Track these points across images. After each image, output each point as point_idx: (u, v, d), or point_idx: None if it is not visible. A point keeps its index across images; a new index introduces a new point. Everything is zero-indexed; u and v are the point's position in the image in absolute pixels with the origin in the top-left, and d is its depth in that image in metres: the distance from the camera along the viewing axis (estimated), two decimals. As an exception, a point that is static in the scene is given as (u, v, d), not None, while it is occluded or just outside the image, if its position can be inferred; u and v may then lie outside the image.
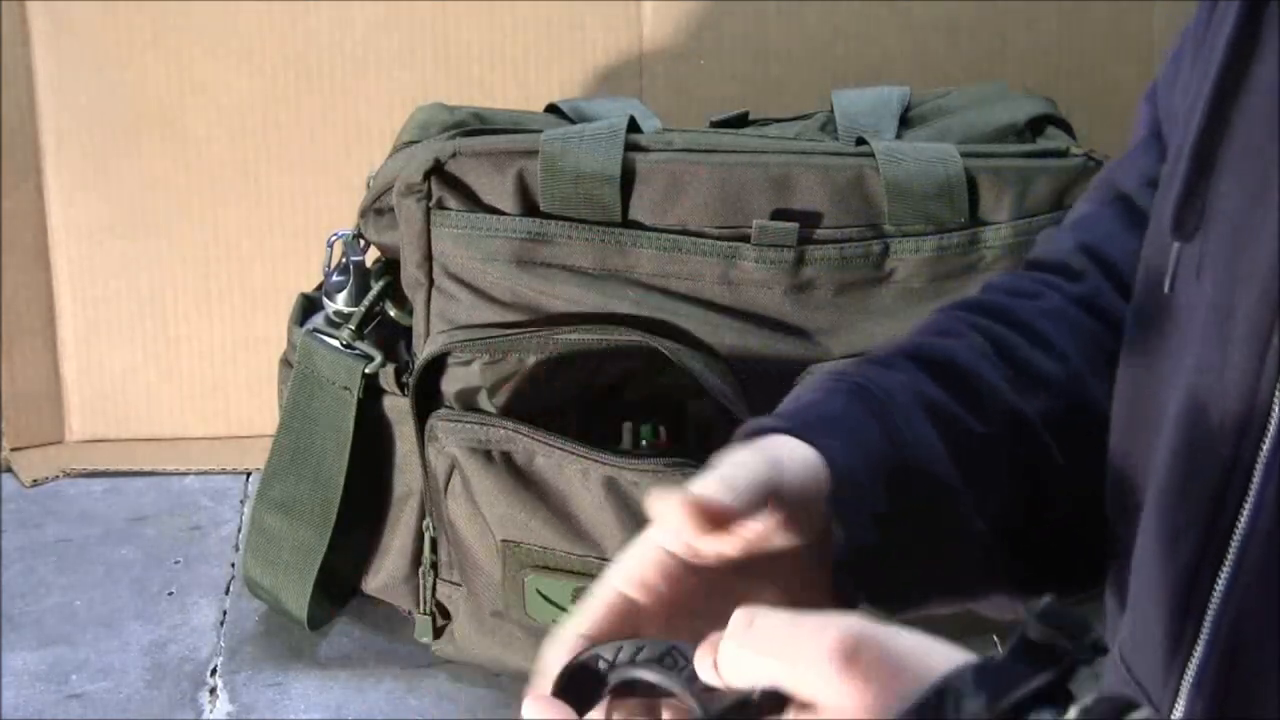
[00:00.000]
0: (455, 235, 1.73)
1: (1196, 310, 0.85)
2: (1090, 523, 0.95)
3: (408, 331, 1.82)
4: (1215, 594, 0.83)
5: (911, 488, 0.90)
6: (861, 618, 0.75)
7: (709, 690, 0.78)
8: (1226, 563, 0.83)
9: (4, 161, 2.08)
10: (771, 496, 0.84)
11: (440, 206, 1.74)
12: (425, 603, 1.84)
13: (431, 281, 1.76)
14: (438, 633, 1.85)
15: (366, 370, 1.80)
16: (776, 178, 1.73)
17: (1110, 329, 0.97)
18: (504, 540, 1.72)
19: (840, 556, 0.86)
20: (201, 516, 2.06)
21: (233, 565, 1.98)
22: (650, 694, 0.81)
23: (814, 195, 1.73)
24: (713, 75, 2.10)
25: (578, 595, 1.70)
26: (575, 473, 1.69)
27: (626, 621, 0.83)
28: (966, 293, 1.70)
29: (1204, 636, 0.84)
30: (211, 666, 1.86)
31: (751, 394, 1.69)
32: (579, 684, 0.81)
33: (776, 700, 0.75)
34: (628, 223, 1.73)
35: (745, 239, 1.72)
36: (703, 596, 0.85)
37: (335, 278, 1.85)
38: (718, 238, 1.73)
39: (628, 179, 1.73)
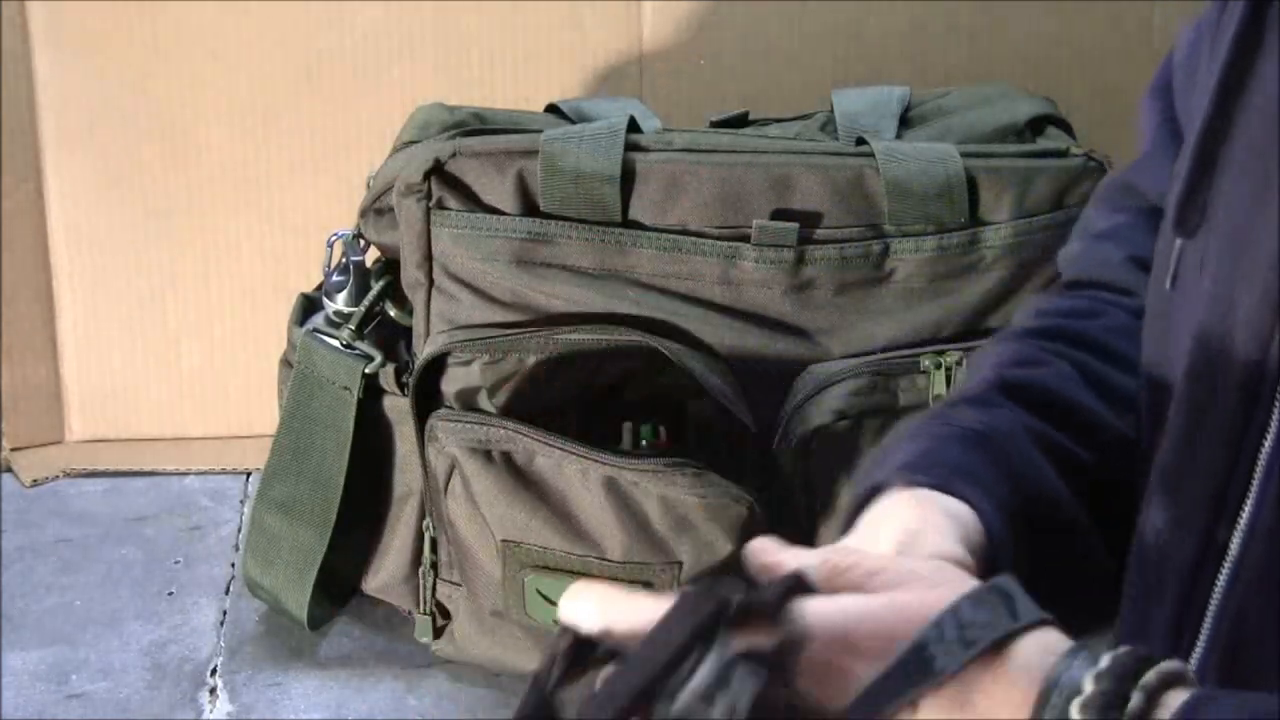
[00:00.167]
0: (455, 235, 1.73)
1: (1198, 308, 0.85)
2: None
3: (408, 331, 1.82)
4: (1216, 592, 0.83)
5: (1035, 528, 0.88)
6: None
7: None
8: (1227, 561, 0.83)
9: (4, 161, 2.08)
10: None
11: (440, 206, 1.74)
12: (425, 603, 1.84)
13: (431, 281, 1.76)
14: (438, 633, 1.85)
15: (366, 370, 1.81)
16: (776, 178, 1.73)
17: None
18: (504, 540, 1.72)
19: None
20: (201, 516, 2.06)
21: (233, 565, 1.98)
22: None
23: (814, 195, 1.73)
24: (713, 75, 2.10)
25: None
26: (575, 473, 1.69)
27: None
28: (967, 293, 1.74)
29: (1204, 634, 0.84)
30: (211, 666, 1.86)
31: (751, 394, 1.70)
32: None
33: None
34: (628, 223, 1.73)
35: (745, 239, 1.72)
36: None
37: (335, 278, 1.85)
38: (718, 238, 1.73)
39: (628, 179, 1.73)
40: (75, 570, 1.98)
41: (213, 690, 1.83)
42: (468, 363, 1.73)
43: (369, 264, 1.86)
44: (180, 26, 2.06)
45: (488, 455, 1.71)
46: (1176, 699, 0.71)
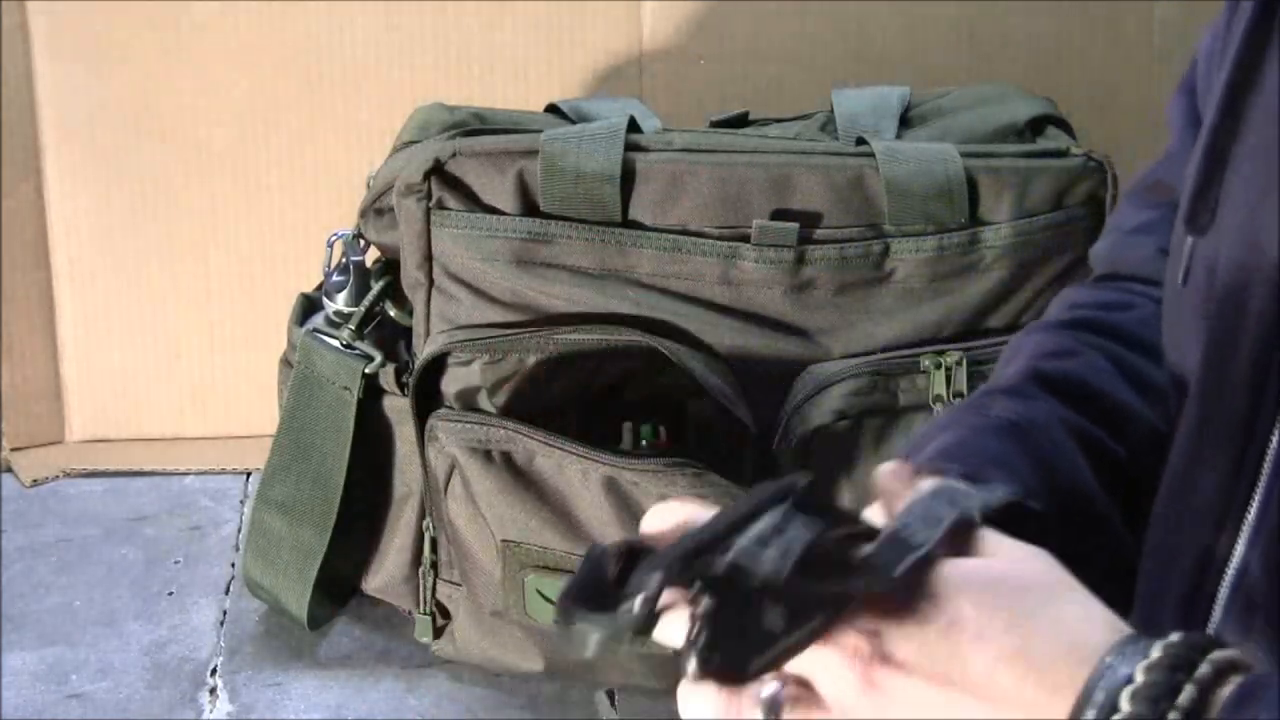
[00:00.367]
0: (455, 235, 1.73)
1: (1209, 305, 0.85)
2: None
3: (408, 331, 1.82)
4: (1223, 586, 0.83)
5: (1066, 520, 0.88)
6: None
7: None
8: (1235, 555, 0.83)
9: (4, 161, 2.08)
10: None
11: (440, 206, 1.74)
12: (425, 603, 1.84)
13: (431, 281, 1.76)
14: (438, 633, 1.85)
15: (366, 370, 1.81)
16: (776, 178, 1.73)
17: None
18: (504, 540, 1.72)
19: None
20: (201, 516, 2.06)
21: (233, 565, 1.98)
22: None
23: (814, 195, 1.73)
24: (713, 75, 2.10)
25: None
26: (575, 473, 1.69)
27: None
28: (967, 293, 1.74)
29: (1212, 628, 0.84)
30: (211, 666, 1.86)
31: (751, 394, 1.70)
32: None
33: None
34: (628, 223, 1.73)
35: (745, 239, 1.72)
36: None
37: (335, 278, 1.85)
38: (718, 238, 1.73)
39: (628, 179, 1.73)
40: (75, 570, 1.98)
41: (213, 690, 1.83)
42: (468, 363, 1.73)
43: (369, 264, 1.86)
44: (181, 26, 2.06)
45: (488, 455, 1.71)
46: (1228, 692, 0.71)
